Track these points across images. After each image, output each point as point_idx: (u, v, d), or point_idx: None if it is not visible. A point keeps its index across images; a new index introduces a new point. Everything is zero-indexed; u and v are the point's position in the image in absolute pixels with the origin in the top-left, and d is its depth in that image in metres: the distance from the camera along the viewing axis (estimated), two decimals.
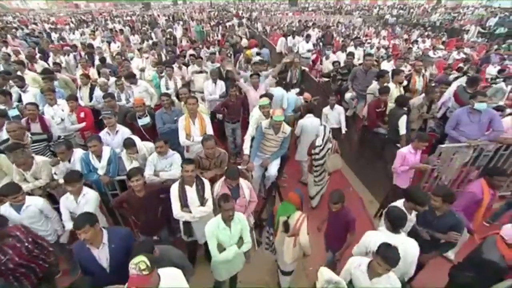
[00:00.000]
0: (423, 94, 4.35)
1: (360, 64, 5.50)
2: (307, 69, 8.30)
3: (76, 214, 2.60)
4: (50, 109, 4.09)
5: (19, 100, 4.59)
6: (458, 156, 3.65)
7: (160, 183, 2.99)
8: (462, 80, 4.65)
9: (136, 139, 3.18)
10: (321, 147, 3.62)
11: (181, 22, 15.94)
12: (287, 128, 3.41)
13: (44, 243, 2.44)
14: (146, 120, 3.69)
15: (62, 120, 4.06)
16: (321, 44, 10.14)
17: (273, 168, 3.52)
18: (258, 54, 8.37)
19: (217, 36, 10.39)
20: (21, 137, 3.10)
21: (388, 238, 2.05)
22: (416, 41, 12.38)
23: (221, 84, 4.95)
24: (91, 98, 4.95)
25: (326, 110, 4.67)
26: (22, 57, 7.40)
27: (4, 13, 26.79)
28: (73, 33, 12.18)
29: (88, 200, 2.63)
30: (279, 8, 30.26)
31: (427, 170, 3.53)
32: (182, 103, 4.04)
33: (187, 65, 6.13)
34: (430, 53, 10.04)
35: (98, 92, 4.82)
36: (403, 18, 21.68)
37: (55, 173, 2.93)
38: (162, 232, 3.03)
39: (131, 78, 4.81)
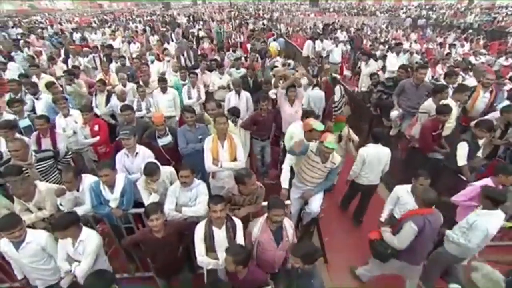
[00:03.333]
0: (495, 115, 3.59)
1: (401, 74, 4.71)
2: (338, 76, 7.60)
3: (73, 259, 2.18)
4: (63, 120, 3.70)
5: (33, 108, 4.25)
6: None
7: (183, 221, 2.46)
8: None
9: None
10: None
11: (201, 22, 15.61)
12: (337, 158, 2.79)
13: None
14: (167, 139, 3.19)
15: (75, 132, 3.66)
16: (349, 48, 9.37)
17: (316, 204, 2.91)
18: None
19: (239, 38, 9.86)
20: (25, 156, 2.69)
21: None
22: (454, 45, 11.28)
23: (246, 96, 4.30)
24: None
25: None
26: (44, 58, 7.24)
27: (34, 13, 27.81)
28: (95, 33, 12.10)
29: (86, 248, 2.16)
30: (300, 9, 29.50)
31: None
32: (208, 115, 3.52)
33: (210, 70, 5.61)
34: (471, 58, 9.00)
35: (115, 101, 4.41)
36: (434, 19, 20.27)
37: (60, 204, 2.48)
38: (181, 273, 2.54)
39: (164, 82, 4.32)
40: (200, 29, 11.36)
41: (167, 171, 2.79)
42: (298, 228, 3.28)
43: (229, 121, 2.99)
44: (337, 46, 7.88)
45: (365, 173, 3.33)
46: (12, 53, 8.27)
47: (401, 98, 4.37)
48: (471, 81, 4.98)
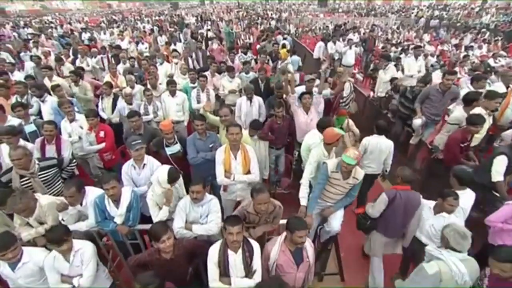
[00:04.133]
0: None
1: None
2: (352, 80, 7.30)
3: (70, 277, 2.00)
4: (68, 124, 3.55)
5: (39, 111, 4.12)
6: None
7: (193, 240, 2.26)
8: None
9: None
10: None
11: (209, 22, 15.47)
12: (359, 173, 2.55)
13: None
14: (175, 148, 2.99)
15: (80, 138, 3.51)
16: (362, 50, 9.06)
17: (336, 222, 2.68)
18: (283, 46, 7.52)
19: (249, 39, 9.64)
20: (27, 165, 2.53)
21: None
22: (471, 47, 10.83)
23: (258, 102, 4.07)
24: (114, 110, 4.39)
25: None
26: (51, 58, 7.16)
27: (45, 13, 28.20)
28: (104, 33, 12.07)
29: (84, 256, 2.03)
30: (308, 9, 29.11)
31: None
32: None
33: (220, 72, 5.42)
34: (490, 61, 8.57)
35: (122, 104, 4.24)
36: (447, 19, 19.66)
37: (62, 219, 2.30)
38: None
39: (173, 85, 4.15)
40: (209, 30, 11.17)
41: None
42: (315, 246, 3.04)
43: (243, 131, 2.76)
44: (350, 48, 7.58)
45: (368, 162, 3.42)
46: (21, 54, 8.27)
47: (424, 106, 4.09)
48: (498, 86, 4.65)
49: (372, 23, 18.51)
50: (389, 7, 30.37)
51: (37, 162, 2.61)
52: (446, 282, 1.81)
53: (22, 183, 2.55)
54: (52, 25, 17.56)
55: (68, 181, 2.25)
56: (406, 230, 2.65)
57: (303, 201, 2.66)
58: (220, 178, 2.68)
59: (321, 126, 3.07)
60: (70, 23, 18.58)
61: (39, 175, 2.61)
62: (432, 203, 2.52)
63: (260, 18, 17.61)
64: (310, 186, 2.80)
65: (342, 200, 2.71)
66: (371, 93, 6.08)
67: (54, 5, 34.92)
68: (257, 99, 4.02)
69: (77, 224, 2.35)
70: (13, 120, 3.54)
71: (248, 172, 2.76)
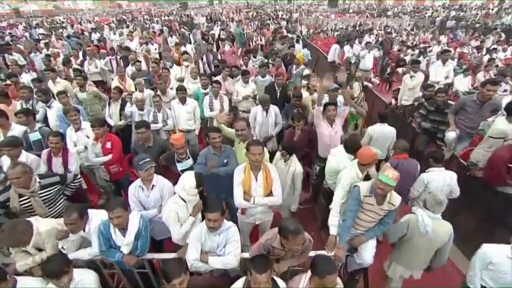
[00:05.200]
0: None
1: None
2: (370, 85, 6.92)
3: None
4: (73, 133, 3.32)
5: (45, 116, 3.92)
6: None
7: (210, 278, 1.98)
8: None
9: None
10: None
11: (218, 23, 15.22)
12: (395, 198, 2.22)
13: None
14: (188, 163, 2.72)
15: (86, 147, 3.28)
16: (382, 53, 8.64)
17: (369, 254, 2.36)
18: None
19: (260, 40, 9.33)
20: (27, 183, 2.29)
21: None
22: (495, 49, 10.26)
23: (274, 112, 3.74)
24: (121, 116, 4.16)
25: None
26: (60, 60, 7.02)
27: (57, 13, 28.58)
28: (113, 33, 11.96)
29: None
30: (318, 9, 28.63)
31: None
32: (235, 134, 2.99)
33: (232, 76, 5.13)
34: None
35: (133, 109, 4.00)
36: (465, 20, 18.90)
37: (62, 247, 2.05)
38: None
39: (183, 91, 3.89)
40: (223, 29, 10.84)
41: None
42: (341, 275, 2.72)
43: (265, 150, 2.46)
44: (369, 51, 7.18)
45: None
46: (31, 54, 8.19)
47: (458, 117, 3.71)
48: None
49: (385, 24, 17.96)
50: (401, 8, 29.63)
51: (38, 179, 2.37)
52: (411, 229, 2.25)
53: (21, 203, 2.32)
54: (63, 25, 17.66)
55: (69, 207, 2.00)
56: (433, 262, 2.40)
57: (333, 230, 2.35)
58: (239, 201, 2.39)
59: (351, 147, 2.77)
60: (80, 23, 18.67)
61: (40, 193, 2.37)
62: (508, 250, 1.96)
63: (270, 18, 17.30)
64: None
65: (375, 228, 2.38)
66: (393, 101, 5.68)
67: (66, 5, 35.39)
68: (273, 109, 3.71)
69: (79, 252, 2.10)
70: (17, 128, 3.32)
71: (270, 194, 2.46)
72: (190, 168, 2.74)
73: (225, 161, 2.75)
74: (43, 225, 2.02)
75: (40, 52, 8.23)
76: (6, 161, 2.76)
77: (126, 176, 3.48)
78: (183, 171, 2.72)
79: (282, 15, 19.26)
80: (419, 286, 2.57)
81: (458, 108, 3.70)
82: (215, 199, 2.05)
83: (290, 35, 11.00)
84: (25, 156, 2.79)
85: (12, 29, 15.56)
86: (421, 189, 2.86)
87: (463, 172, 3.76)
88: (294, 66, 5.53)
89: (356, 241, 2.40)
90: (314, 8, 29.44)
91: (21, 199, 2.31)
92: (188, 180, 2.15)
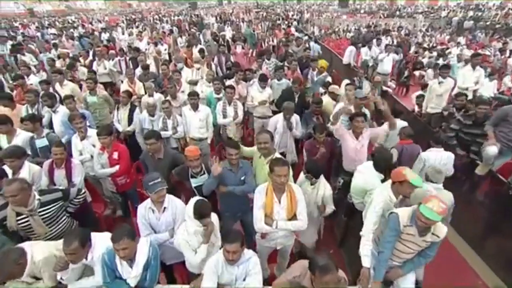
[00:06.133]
0: None
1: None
2: (390, 90, 6.54)
3: None
4: (79, 141, 3.11)
5: (50, 122, 3.73)
6: None
7: None
8: None
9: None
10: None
11: (228, 23, 15.01)
12: (441, 229, 1.90)
13: None
14: (203, 179, 2.46)
15: (92, 157, 3.06)
16: (401, 56, 8.22)
17: None
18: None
19: (272, 41, 9.04)
20: (25, 201, 2.07)
21: None
22: None
23: (296, 120, 3.45)
24: (130, 121, 3.95)
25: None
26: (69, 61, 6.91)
27: (69, 13, 28.97)
28: (122, 33, 11.88)
29: None
30: (328, 9, 28.13)
31: None
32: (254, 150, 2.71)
33: (246, 80, 4.87)
34: None
35: (142, 115, 3.78)
36: (484, 21, 18.13)
37: (61, 278, 1.81)
38: None
39: (195, 97, 3.64)
40: (239, 31, 10.58)
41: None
42: None
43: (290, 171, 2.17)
44: (388, 54, 6.79)
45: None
46: (41, 54, 8.12)
47: (499, 129, 3.34)
48: None
49: (398, 25, 17.36)
50: (415, 8, 28.81)
51: (37, 196, 2.15)
52: (419, 200, 2.06)
53: (19, 222, 2.10)
54: (75, 25, 17.77)
55: (69, 234, 1.76)
56: None
57: (366, 262, 2.05)
58: (260, 225, 2.11)
59: (381, 165, 2.47)
60: (91, 23, 18.77)
61: (40, 211, 2.15)
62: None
63: (281, 19, 16.98)
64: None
65: (414, 260, 2.07)
66: (416, 108, 5.30)
67: (78, 5, 35.89)
68: (295, 118, 3.42)
69: (80, 282, 1.86)
70: (22, 133, 3.14)
71: (294, 217, 2.18)
72: None
73: (242, 178, 2.48)
74: (38, 252, 1.79)
75: (50, 52, 8.17)
76: (8, 173, 2.55)
77: (134, 187, 3.27)
78: (197, 188, 2.47)
79: (292, 15, 18.91)
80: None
81: (498, 120, 3.33)
82: (234, 229, 1.79)
83: (297, 34, 10.69)
84: (28, 167, 2.59)
85: (25, 29, 15.71)
86: (421, 166, 2.98)
87: (499, 188, 3.41)
88: (315, 73, 5.18)
89: (392, 274, 2.09)
90: (324, 8, 28.94)
91: (19, 218, 2.10)
92: (189, 208, 1.92)
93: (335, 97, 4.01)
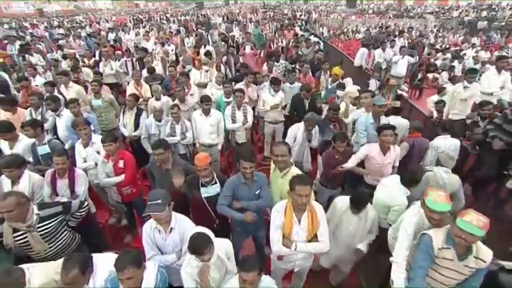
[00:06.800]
0: None
1: None
2: (405, 94, 6.25)
3: None
4: (82, 148, 2.95)
5: (54, 126, 3.59)
6: None
7: None
8: None
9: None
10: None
11: (235, 23, 14.82)
12: (485, 252, 1.68)
13: None
14: (214, 190, 2.27)
15: (97, 165, 2.89)
16: (417, 58, 7.91)
17: None
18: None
19: (281, 42, 8.82)
20: (22, 216, 1.91)
21: None
22: None
23: (315, 131, 3.24)
24: (136, 126, 3.78)
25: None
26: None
27: (77, 13, 29.21)
28: (128, 33, 11.79)
29: None
30: (336, 10, 27.73)
31: None
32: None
33: (256, 83, 4.67)
34: None
35: (149, 120, 3.62)
36: (498, 21, 17.53)
37: None
38: None
39: (208, 103, 3.46)
40: (243, 31, 10.36)
41: (221, 244, 1.84)
42: None
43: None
44: (403, 57, 6.51)
45: None
46: (48, 55, 8.07)
47: None
48: None
49: (408, 26, 16.92)
50: (424, 8, 28.19)
51: (36, 210, 1.98)
52: (432, 183, 2.56)
53: (16, 239, 1.94)
54: (83, 24, 17.82)
55: (68, 260, 1.57)
56: None
57: (399, 283, 1.82)
58: (277, 247, 1.90)
59: (408, 180, 2.27)
60: (98, 23, 18.81)
61: (39, 227, 1.98)
62: None
63: (288, 19, 16.73)
64: None
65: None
66: (435, 113, 5.00)
67: (87, 5, 36.20)
68: (315, 129, 3.22)
69: None
70: (24, 139, 3.00)
71: (314, 238, 1.97)
72: (216, 196, 2.29)
73: (257, 192, 2.28)
74: (36, 277, 1.61)
75: (56, 53, 8.11)
76: (6, 183, 2.41)
77: (140, 196, 3.09)
78: (207, 198, 2.27)
79: (300, 15, 18.63)
80: None
81: None
82: (251, 256, 1.59)
83: (301, 32, 10.38)
84: (27, 177, 2.44)
85: (34, 29, 15.80)
86: (434, 153, 3.10)
87: None
88: (329, 78, 4.95)
89: None
90: (332, 8, 28.55)
91: (16, 234, 1.93)
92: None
93: (355, 102, 3.77)
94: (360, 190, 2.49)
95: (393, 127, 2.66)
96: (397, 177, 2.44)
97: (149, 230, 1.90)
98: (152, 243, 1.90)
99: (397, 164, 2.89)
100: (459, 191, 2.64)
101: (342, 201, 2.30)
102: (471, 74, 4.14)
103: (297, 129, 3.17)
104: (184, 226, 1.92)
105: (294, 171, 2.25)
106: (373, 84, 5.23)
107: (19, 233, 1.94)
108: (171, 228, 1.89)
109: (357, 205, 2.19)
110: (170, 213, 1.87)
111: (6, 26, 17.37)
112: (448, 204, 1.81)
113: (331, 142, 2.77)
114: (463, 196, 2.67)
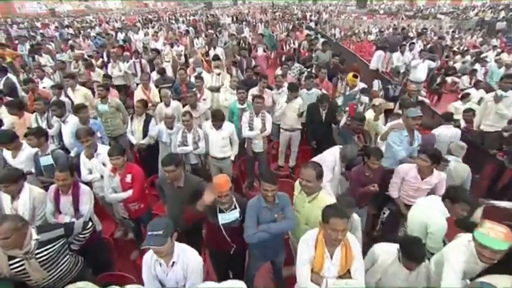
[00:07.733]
0: None
1: None
2: (427, 100, 5.88)
3: None
4: (87, 160, 2.76)
5: (60, 132, 3.42)
6: None
7: None
8: None
9: None
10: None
11: (244, 23, 14.58)
12: None
13: None
14: (233, 215, 2.02)
15: (103, 177, 2.69)
16: (438, 63, 7.51)
17: None
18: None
19: (294, 44, 8.54)
20: (19, 242, 1.71)
21: None
22: None
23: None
24: (145, 133, 3.58)
25: None
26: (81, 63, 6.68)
27: (89, 13, 29.50)
28: (137, 33, 11.69)
29: None
30: (346, 10, 27.22)
31: None
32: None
33: (271, 88, 4.41)
34: None
35: (160, 127, 3.42)
36: None
37: None
38: None
39: (220, 121, 3.18)
40: (253, 32, 10.08)
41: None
42: None
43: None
44: (424, 61, 6.14)
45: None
46: (57, 55, 8.00)
47: None
48: None
49: (422, 27, 16.35)
50: (438, 8, 27.39)
51: (35, 235, 1.77)
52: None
53: (12, 267, 1.73)
54: (92, 24, 17.88)
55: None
56: None
57: None
58: (305, 284, 1.65)
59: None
60: (107, 22, 18.86)
61: (38, 253, 1.78)
62: None
63: (297, 19, 16.41)
64: None
65: None
66: (462, 123, 4.65)
67: (97, 5, 36.56)
68: None
69: None
70: (28, 148, 2.83)
71: (346, 273, 1.70)
72: (235, 221, 2.04)
73: (276, 215, 2.02)
74: None
75: (66, 53, 8.03)
76: (6, 198, 2.22)
77: (149, 210, 2.89)
78: (225, 225, 2.03)
79: (310, 16, 18.27)
80: None
81: None
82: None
83: (307, 32, 10.01)
84: (28, 191, 2.25)
85: (45, 29, 15.90)
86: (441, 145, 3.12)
87: None
88: (347, 87, 4.65)
89: None
90: (341, 9, 28.05)
91: (11, 262, 1.73)
92: None
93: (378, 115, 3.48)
94: (411, 237, 1.87)
95: (432, 155, 2.33)
96: (436, 197, 2.15)
97: (149, 261, 1.67)
98: (152, 277, 1.66)
99: (441, 192, 2.38)
100: (467, 181, 2.77)
101: (386, 251, 1.85)
102: (508, 80, 3.73)
103: (335, 162, 2.71)
104: (188, 258, 1.67)
105: (324, 197, 1.98)
106: (376, 84, 4.98)
107: (15, 260, 1.73)
108: (173, 262, 1.65)
109: (412, 257, 1.70)
110: (173, 245, 1.63)
111: (21, 26, 17.58)
112: (507, 242, 1.49)
113: (362, 157, 2.49)
114: (469, 184, 2.81)
